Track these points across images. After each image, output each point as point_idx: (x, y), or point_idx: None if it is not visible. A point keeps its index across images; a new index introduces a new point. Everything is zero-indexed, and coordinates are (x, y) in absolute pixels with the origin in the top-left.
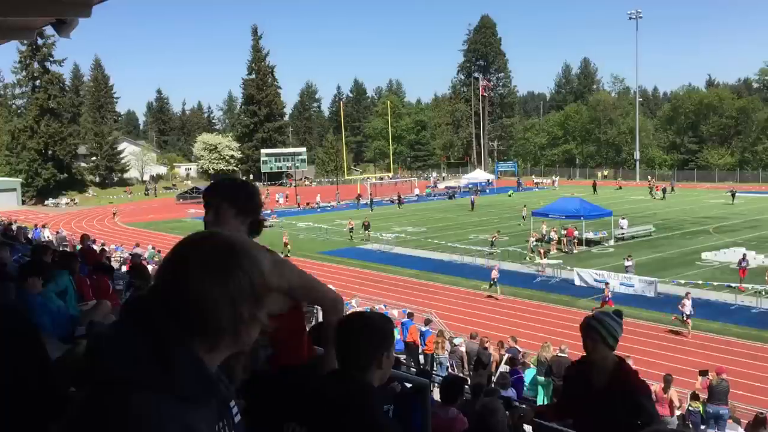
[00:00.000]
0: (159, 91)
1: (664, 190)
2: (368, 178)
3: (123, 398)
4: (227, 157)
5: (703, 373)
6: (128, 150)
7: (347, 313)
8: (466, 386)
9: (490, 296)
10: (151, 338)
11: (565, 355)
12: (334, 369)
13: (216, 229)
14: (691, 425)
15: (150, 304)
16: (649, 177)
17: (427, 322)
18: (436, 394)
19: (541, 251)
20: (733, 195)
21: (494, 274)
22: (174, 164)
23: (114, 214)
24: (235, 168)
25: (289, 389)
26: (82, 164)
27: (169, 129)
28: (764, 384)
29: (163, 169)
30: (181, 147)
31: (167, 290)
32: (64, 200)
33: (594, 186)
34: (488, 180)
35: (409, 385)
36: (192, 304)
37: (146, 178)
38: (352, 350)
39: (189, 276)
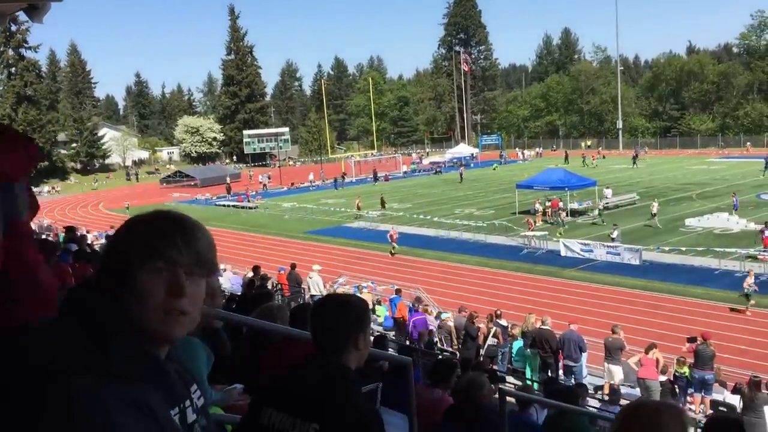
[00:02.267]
0: (138, 75)
1: (634, 159)
2: (352, 156)
3: (62, 382)
4: (209, 140)
5: (692, 339)
6: (109, 135)
7: (324, 295)
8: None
9: (734, 310)
10: (86, 321)
11: (548, 327)
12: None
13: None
14: (677, 389)
15: (88, 288)
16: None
17: (418, 300)
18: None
19: (531, 223)
20: None
21: (749, 281)
22: (156, 148)
23: (127, 207)
24: (218, 150)
25: None
26: (63, 151)
27: (150, 113)
28: (749, 347)
29: (145, 154)
30: (163, 131)
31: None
32: (45, 188)
33: (566, 156)
34: (472, 154)
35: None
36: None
37: (128, 163)
38: (327, 332)
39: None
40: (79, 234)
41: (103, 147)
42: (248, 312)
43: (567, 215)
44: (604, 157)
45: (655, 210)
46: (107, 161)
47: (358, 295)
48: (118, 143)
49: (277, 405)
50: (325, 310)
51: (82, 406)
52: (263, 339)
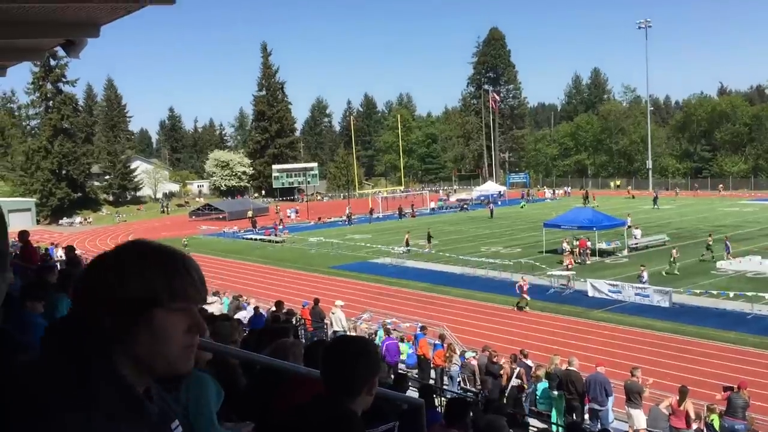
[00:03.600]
0: (171, 110)
1: (655, 200)
2: (379, 192)
3: (58, 420)
4: (239, 174)
5: (728, 388)
6: (141, 168)
7: (337, 336)
8: (473, 407)
9: None
10: (68, 357)
11: (574, 368)
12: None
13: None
14: None
15: (70, 320)
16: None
17: (442, 337)
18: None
19: (569, 262)
20: None
21: None
22: (186, 181)
23: (185, 245)
24: (247, 184)
25: None
26: (96, 183)
27: (182, 146)
28: None
29: (175, 187)
30: (194, 164)
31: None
32: (78, 219)
33: (585, 196)
34: (500, 192)
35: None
36: (91, 311)
37: (159, 195)
38: (341, 375)
39: (91, 282)
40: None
41: (135, 179)
42: (264, 347)
43: (595, 255)
44: (633, 197)
45: None
46: (139, 193)
47: (375, 333)
48: (150, 176)
49: None
50: (341, 353)
51: None
52: (275, 376)
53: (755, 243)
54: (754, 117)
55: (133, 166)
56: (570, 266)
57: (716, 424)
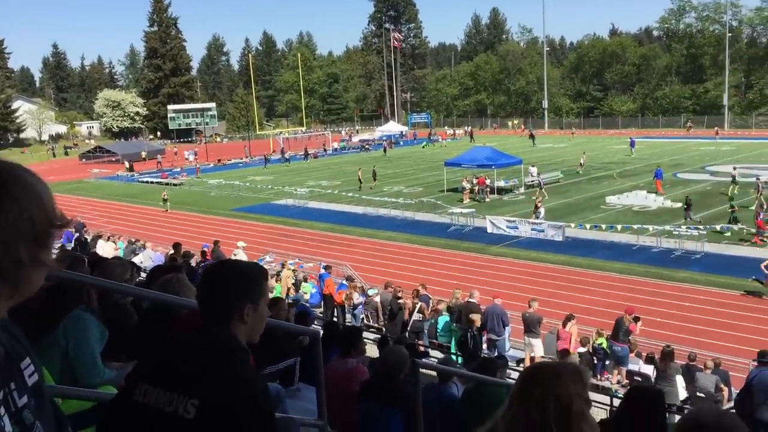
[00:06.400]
0: (55, 46)
1: (532, 137)
2: (281, 132)
3: None
4: (132, 114)
5: (636, 318)
6: (23, 108)
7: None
8: (369, 338)
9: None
10: None
11: (475, 301)
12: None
13: None
14: (595, 360)
15: None
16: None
17: (349, 279)
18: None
19: (539, 200)
20: None
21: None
22: (74, 122)
23: (165, 200)
24: (141, 125)
25: None
26: None
27: (68, 86)
28: (665, 319)
29: (63, 128)
30: (82, 104)
31: None
32: None
33: (471, 134)
34: (401, 132)
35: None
36: None
37: (45, 137)
38: (210, 300)
39: None
40: None
41: (18, 121)
42: (153, 285)
43: (493, 192)
44: (530, 135)
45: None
46: (22, 135)
47: (262, 264)
48: (34, 117)
49: (153, 380)
50: (211, 277)
51: None
52: (166, 313)
53: (641, 179)
54: (642, 57)
55: (14, 106)
56: (467, 197)
57: (605, 346)
